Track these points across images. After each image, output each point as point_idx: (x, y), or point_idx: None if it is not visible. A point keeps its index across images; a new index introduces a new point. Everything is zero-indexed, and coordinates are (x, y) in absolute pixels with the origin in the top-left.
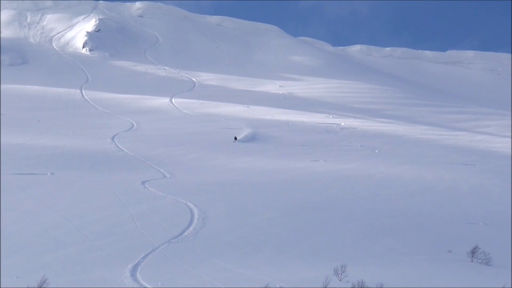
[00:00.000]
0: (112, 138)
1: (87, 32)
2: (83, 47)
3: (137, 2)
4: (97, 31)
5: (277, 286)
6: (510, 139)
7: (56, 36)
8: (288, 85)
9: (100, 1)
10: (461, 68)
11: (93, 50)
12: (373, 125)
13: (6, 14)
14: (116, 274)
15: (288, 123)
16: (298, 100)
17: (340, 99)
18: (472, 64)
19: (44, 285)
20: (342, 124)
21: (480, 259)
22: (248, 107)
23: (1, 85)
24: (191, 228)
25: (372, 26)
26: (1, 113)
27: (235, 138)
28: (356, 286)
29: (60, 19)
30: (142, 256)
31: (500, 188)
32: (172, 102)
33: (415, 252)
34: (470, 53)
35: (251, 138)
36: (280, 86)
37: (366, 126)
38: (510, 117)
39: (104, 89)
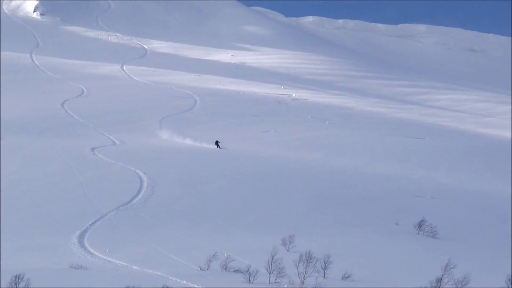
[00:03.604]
0: (62, 104)
1: None
2: (34, 11)
3: None
4: None
5: (225, 255)
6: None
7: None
8: (241, 54)
9: None
10: (413, 41)
11: (44, 15)
12: (324, 97)
13: None
14: (64, 240)
15: (239, 93)
16: (250, 70)
17: (292, 70)
18: (424, 38)
19: None
20: (293, 95)
21: (426, 231)
22: (199, 75)
23: None
24: (140, 196)
25: None
26: None
27: (217, 144)
28: (303, 257)
29: None
30: (90, 223)
31: (448, 162)
32: (123, 69)
33: (363, 224)
34: (422, 27)
35: None
36: (232, 55)
37: (317, 97)
38: (460, 92)
39: (54, 54)
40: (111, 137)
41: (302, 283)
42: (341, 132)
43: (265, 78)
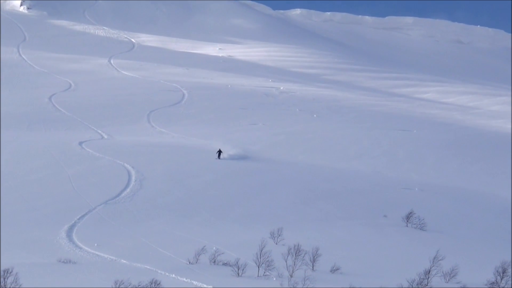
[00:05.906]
0: (50, 98)
1: None
2: (21, 5)
3: None
4: None
5: (214, 248)
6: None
7: None
8: (228, 48)
9: None
10: (400, 34)
11: (31, 9)
12: (312, 90)
13: None
14: (52, 234)
15: (227, 86)
16: (238, 63)
17: (279, 63)
18: (411, 31)
19: None
20: (281, 88)
21: (415, 224)
22: (187, 69)
23: None
24: (128, 190)
25: None
26: None
27: (219, 155)
28: (292, 250)
29: None
30: (78, 217)
31: (435, 154)
32: (110, 63)
33: (351, 217)
34: (409, 19)
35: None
36: (220, 49)
37: (305, 90)
38: (447, 84)
39: (41, 49)
40: (99, 131)
41: (291, 276)
42: (328, 125)
43: (253, 71)
